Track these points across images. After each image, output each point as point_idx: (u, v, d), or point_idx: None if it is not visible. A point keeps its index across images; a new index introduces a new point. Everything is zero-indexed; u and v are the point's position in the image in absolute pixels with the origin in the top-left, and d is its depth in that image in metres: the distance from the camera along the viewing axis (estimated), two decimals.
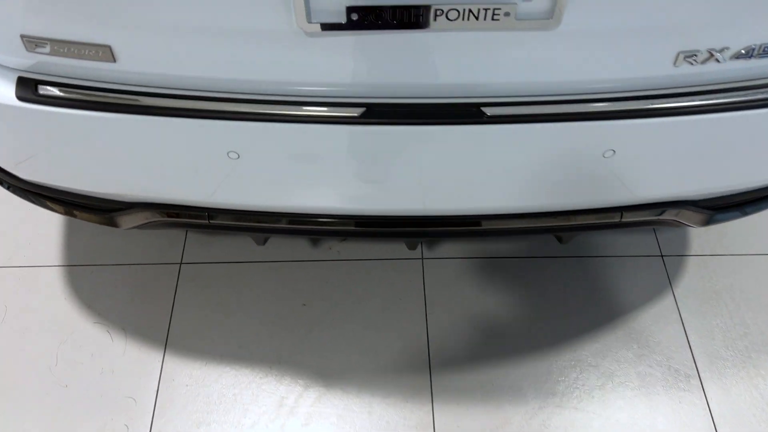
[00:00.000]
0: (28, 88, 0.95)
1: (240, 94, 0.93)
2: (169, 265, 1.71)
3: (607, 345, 1.58)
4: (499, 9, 0.80)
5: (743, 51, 0.89)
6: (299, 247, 1.74)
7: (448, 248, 1.74)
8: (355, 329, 1.60)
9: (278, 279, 1.68)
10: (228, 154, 0.98)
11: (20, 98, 0.94)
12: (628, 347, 1.57)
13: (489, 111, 0.91)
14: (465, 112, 0.92)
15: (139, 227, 1.24)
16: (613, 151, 0.99)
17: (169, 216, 1.17)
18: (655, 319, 1.62)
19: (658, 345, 1.58)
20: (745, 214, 1.28)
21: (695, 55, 0.89)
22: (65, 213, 1.28)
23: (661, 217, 1.18)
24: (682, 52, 0.89)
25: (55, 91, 0.94)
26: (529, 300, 1.65)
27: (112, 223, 1.24)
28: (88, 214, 1.25)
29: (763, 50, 0.90)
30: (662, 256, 1.74)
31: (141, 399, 1.49)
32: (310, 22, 0.82)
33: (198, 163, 1.01)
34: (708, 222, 1.25)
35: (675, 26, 0.86)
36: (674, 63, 0.91)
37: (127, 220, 1.22)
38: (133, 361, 1.55)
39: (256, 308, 1.63)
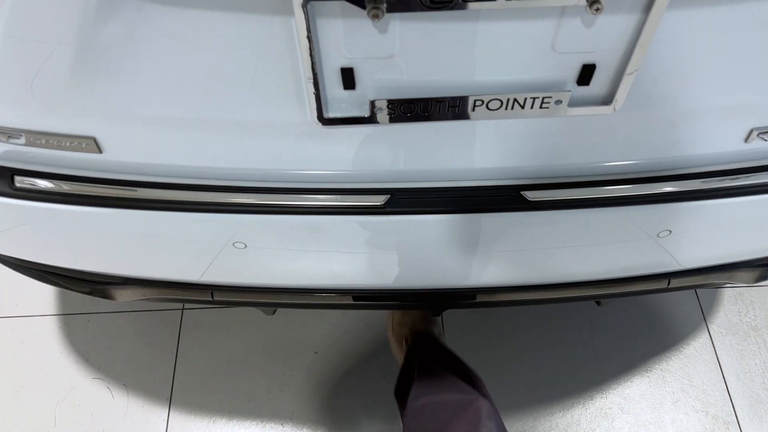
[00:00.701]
0: (2, 179, 0.83)
1: (246, 182, 0.81)
2: (170, 312, 1.61)
3: (640, 390, 1.48)
4: (549, 98, 0.68)
5: None
6: None
7: None
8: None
9: (285, 323, 1.58)
10: (234, 244, 0.87)
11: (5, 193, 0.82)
12: (662, 391, 1.48)
13: (531, 198, 0.80)
14: (504, 197, 0.80)
15: (137, 300, 1.13)
16: (669, 231, 0.87)
17: (168, 293, 1.06)
18: (689, 360, 1.53)
19: (694, 389, 1.49)
20: None
21: None
22: (53, 285, 1.17)
23: (710, 282, 1.07)
24: (756, 129, 0.77)
25: (34, 184, 0.82)
26: (553, 345, 1.55)
27: (106, 296, 1.13)
28: (78, 288, 1.14)
29: None
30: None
31: None
32: (326, 116, 0.70)
33: (200, 253, 0.90)
34: (759, 279, 1.14)
35: (748, 105, 0.74)
36: (746, 140, 0.79)
37: (123, 295, 1.11)
38: (137, 420, 1.45)
39: (264, 356, 1.53)
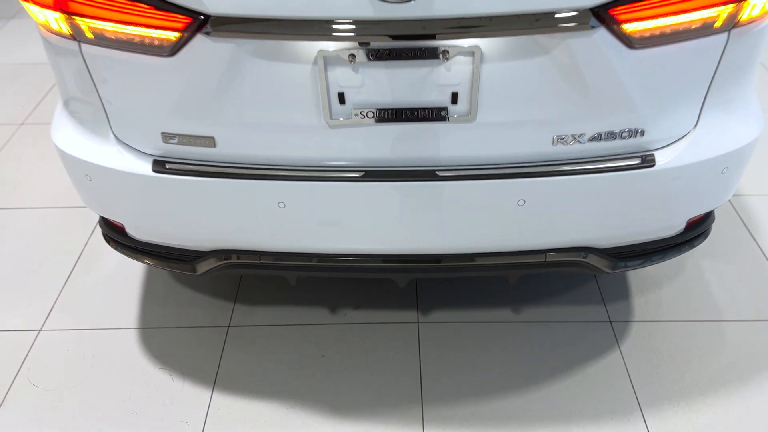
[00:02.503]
0: (160, 165, 1.56)
1: (287, 167, 1.53)
2: (219, 328, 2.20)
3: (563, 393, 1.96)
4: (439, 109, 1.41)
5: (594, 135, 1.47)
6: (321, 313, 2.23)
7: (442, 315, 2.21)
8: (363, 375, 2.02)
9: (303, 336, 2.15)
10: (278, 204, 1.55)
11: (155, 171, 1.55)
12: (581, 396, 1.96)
13: (440, 173, 1.49)
14: (426, 174, 1.50)
15: (210, 271, 1.76)
16: (524, 200, 1.53)
17: (232, 259, 1.71)
18: (604, 372, 2.02)
19: (607, 389, 1.96)
20: (650, 262, 1.76)
21: (564, 138, 1.47)
22: (157, 265, 1.83)
23: (572, 259, 1.67)
24: (557, 136, 1.47)
25: (176, 166, 1.55)
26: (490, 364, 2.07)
27: (193, 270, 1.77)
28: (176, 264, 1.79)
29: (606, 135, 1.47)
30: (611, 321, 2.18)
31: (193, 422, 1.90)
32: (332, 119, 1.43)
33: (259, 211, 1.58)
34: (614, 268, 1.73)
35: (549, 121, 1.45)
36: (552, 144, 1.48)
37: (203, 266, 1.75)
38: (188, 396, 1.98)
39: (287, 358, 2.08)
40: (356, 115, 1.43)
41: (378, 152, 1.49)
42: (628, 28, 1.32)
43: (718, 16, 1.35)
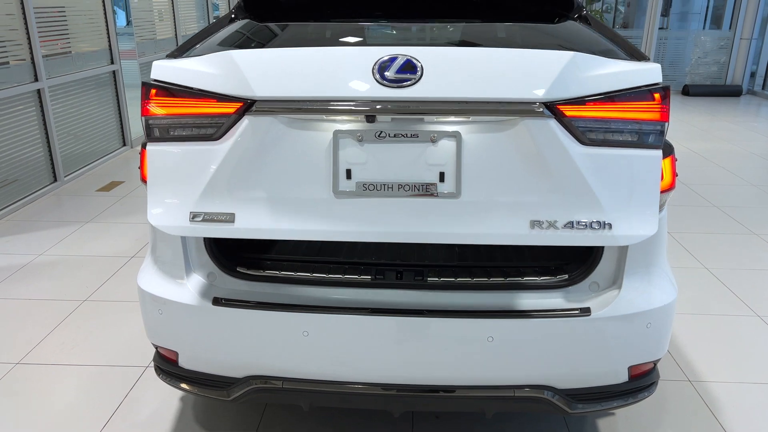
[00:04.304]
0: (217, 301, 2.07)
1: (311, 300, 2.03)
2: None
3: None
4: (429, 185, 1.83)
5: (566, 224, 1.79)
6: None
7: None
8: None
9: None
10: (303, 332, 2.01)
11: (214, 304, 2.06)
12: None
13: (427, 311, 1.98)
14: (415, 311, 1.98)
15: (240, 396, 2.14)
16: (492, 338, 1.97)
17: (260, 384, 2.11)
18: None
19: None
20: (601, 407, 2.11)
21: (541, 223, 1.80)
22: (198, 392, 2.23)
23: (535, 395, 2.03)
24: (533, 220, 1.81)
25: (228, 301, 2.06)
26: None
27: (227, 395, 2.16)
28: (210, 390, 2.19)
29: (577, 224, 1.78)
30: None
31: None
32: (336, 191, 1.84)
33: (284, 339, 2.03)
34: (572, 408, 2.08)
35: (524, 204, 1.79)
36: (530, 227, 1.80)
37: (234, 390, 2.15)
38: None
39: None
40: (359, 187, 1.80)
41: (377, 226, 1.80)
42: (572, 121, 1.73)
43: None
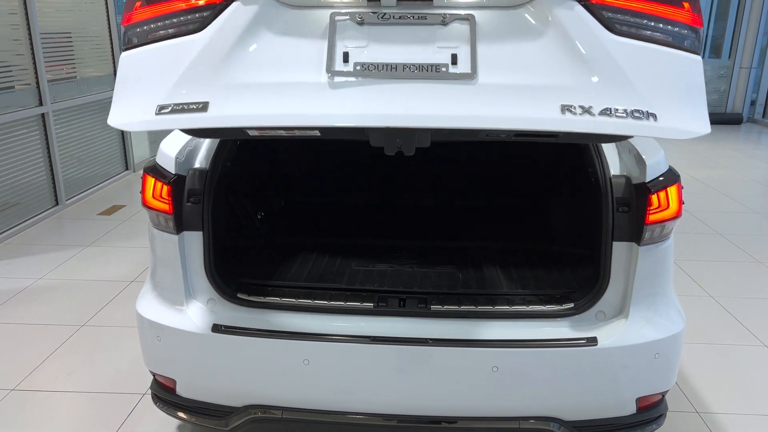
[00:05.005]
0: (217, 327, 2.04)
1: (312, 331, 1.99)
2: None
3: None
4: (439, 65, 1.62)
5: (603, 110, 1.54)
6: None
7: None
8: None
9: None
10: (303, 361, 1.98)
11: (213, 330, 2.03)
12: None
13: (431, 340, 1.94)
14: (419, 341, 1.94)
15: (239, 426, 2.10)
16: (497, 367, 1.93)
17: (259, 413, 2.06)
18: None
19: None
20: None
21: (572, 107, 1.53)
22: (196, 421, 2.18)
23: (542, 427, 1.99)
24: (564, 105, 1.53)
25: (227, 329, 2.03)
26: None
27: (225, 425, 2.11)
28: (207, 419, 2.14)
29: (616, 111, 1.52)
30: None
31: None
32: (330, 71, 1.63)
33: (285, 367, 1.99)
34: None
35: (554, 88, 1.56)
36: (561, 112, 1.52)
37: (233, 420, 2.10)
38: None
39: None
40: (356, 67, 1.57)
41: (377, 107, 1.55)
42: (598, 7, 1.58)
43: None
